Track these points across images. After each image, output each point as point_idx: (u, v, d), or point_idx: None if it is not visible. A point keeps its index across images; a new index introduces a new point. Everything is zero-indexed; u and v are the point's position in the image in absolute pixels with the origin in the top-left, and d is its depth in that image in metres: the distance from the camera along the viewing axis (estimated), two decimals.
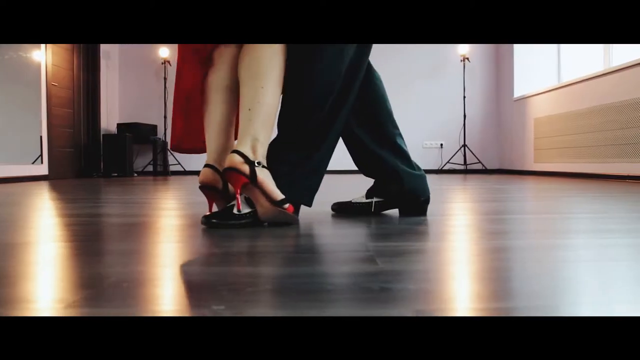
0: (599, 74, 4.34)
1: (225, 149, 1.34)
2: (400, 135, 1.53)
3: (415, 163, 1.54)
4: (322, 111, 1.32)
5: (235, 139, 1.50)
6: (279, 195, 1.22)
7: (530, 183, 3.55)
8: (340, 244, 1.00)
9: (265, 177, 1.20)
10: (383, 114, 1.49)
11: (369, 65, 1.48)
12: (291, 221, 1.27)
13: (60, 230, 1.19)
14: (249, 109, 1.23)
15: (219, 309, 0.54)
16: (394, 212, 1.57)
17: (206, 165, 1.31)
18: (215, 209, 1.44)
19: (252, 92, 1.24)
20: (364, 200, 1.54)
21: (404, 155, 1.51)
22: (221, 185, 1.31)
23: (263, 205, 1.21)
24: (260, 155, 1.22)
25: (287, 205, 1.24)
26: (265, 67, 1.26)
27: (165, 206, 1.84)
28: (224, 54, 1.35)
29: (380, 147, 1.48)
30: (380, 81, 1.52)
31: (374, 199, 1.52)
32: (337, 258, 0.85)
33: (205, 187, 1.31)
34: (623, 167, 3.97)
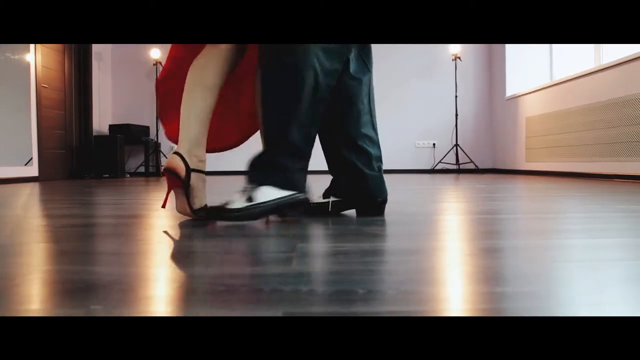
0: (588, 72, 4.31)
1: (199, 142, 1.38)
2: (366, 135, 1.50)
3: (376, 164, 1.52)
4: (306, 109, 1.35)
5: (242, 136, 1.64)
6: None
7: (520, 183, 3.53)
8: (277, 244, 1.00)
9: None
10: (351, 113, 1.47)
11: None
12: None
13: (35, 232, 1.19)
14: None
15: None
16: (351, 211, 1.56)
17: (175, 153, 1.35)
18: (170, 202, 1.46)
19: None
20: (321, 200, 1.53)
21: (367, 156, 1.50)
22: (184, 175, 1.34)
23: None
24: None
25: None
26: (195, 76, 1.38)
27: (145, 207, 1.84)
28: (210, 55, 1.39)
29: (345, 147, 1.47)
30: (356, 79, 1.48)
31: (331, 199, 1.52)
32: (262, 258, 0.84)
33: (167, 171, 1.34)
34: (612, 166, 3.95)
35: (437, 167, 6.37)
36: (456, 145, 6.09)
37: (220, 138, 1.61)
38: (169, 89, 1.52)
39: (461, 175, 5.24)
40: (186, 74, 1.40)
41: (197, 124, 1.36)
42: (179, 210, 1.38)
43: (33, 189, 3.23)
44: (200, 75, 1.37)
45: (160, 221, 1.38)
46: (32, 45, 4.89)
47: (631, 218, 1.34)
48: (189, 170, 1.34)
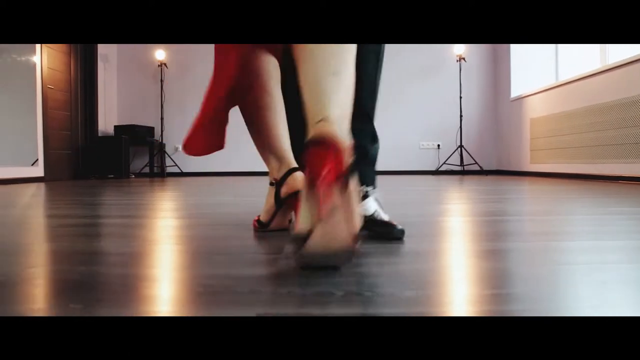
0: (593, 72, 4.28)
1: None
2: None
3: None
4: None
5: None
6: None
7: (524, 184, 3.50)
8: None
9: None
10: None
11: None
12: None
13: (39, 231, 1.20)
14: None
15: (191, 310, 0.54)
16: None
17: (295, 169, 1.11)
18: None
19: None
20: None
21: None
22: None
23: None
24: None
25: None
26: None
27: (148, 208, 1.85)
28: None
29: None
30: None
31: None
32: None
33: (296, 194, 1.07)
34: (617, 167, 3.92)
35: (441, 169, 6.34)
36: (460, 146, 6.07)
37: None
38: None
39: (465, 177, 5.21)
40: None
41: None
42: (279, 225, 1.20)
43: (38, 189, 3.26)
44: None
45: (163, 222, 1.39)
46: (37, 46, 4.93)
47: (637, 220, 1.33)
48: None
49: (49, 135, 5.13)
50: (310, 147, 0.72)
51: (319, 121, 0.78)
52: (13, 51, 4.62)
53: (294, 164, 1.09)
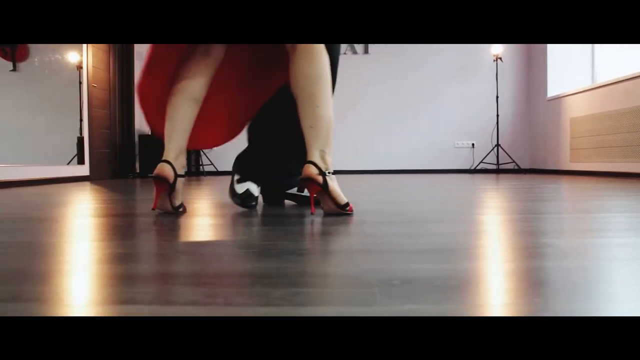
0: (638, 74, 4.29)
1: (182, 150, 1.51)
2: None
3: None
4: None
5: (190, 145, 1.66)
6: (343, 199, 1.42)
7: (566, 183, 3.50)
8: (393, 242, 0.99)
9: (334, 184, 1.39)
10: None
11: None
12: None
13: (96, 229, 1.21)
14: (311, 127, 1.39)
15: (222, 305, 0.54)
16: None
17: (164, 161, 1.46)
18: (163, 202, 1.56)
19: (310, 112, 1.39)
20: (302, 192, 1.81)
21: None
22: (172, 180, 1.46)
23: (330, 207, 1.41)
24: (329, 164, 1.41)
25: (348, 207, 1.43)
26: (319, 85, 1.40)
27: (198, 206, 1.84)
28: (201, 66, 1.50)
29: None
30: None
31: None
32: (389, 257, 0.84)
33: (159, 178, 1.44)
34: None
35: (477, 167, 6.35)
36: (497, 145, 6.07)
37: (200, 140, 1.73)
38: (151, 90, 1.55)
39: (502, 176, 5.21)
40: (166, 73, 1.50)
41: (184, 135, 1.49)
42: (160, 207, 1.51)
43: (95, 189, 3.25)
44: (188, 87, 1.48)
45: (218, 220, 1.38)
46: (84, 46, 4.93)
47: None
48: (176, 176, 1.47)
49: (92, 134, 5.13)
50: (301, 183, 1.38)
51: (308, 163, 1.37)
52: (60, 50, 4.62)
53: (167, 158, 1.45)
